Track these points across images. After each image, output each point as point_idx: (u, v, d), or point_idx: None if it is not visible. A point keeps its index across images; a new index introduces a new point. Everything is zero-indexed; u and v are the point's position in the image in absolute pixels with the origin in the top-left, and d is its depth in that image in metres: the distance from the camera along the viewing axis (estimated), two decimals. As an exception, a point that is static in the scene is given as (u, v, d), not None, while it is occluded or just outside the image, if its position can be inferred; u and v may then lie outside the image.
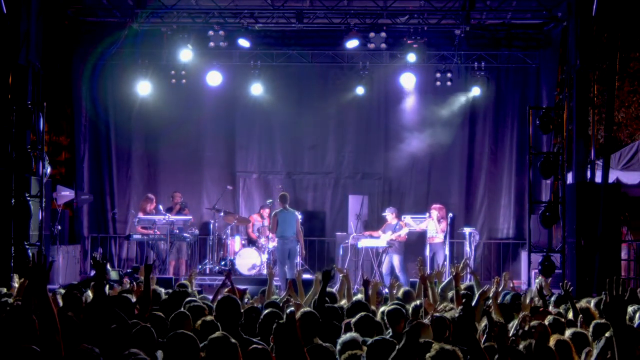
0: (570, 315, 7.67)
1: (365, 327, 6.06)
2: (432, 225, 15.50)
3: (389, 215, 15.51)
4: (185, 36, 15.55)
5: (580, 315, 7.32)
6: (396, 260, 15.22)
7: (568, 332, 6.07)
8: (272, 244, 15.68)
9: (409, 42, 15.63)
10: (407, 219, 15.70)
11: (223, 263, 16.06)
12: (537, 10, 15.49)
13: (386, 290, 13.80)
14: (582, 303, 7.89)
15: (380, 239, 15.32)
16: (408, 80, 16.31)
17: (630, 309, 7.64)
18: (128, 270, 12.67)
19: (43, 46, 14.08)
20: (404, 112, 17.30)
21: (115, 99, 17.14)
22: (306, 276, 15.70)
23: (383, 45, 15.30)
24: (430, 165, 17.33)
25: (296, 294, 8.90)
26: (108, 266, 12.35)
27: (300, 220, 15.97)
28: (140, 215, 15.76)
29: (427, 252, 15.46)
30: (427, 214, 15.71)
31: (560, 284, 8.69)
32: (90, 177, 17.18)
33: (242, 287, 9.93)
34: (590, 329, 6.33)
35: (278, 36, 16.96)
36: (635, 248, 14.66)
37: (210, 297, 9.44)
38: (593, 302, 8.21)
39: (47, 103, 13.44)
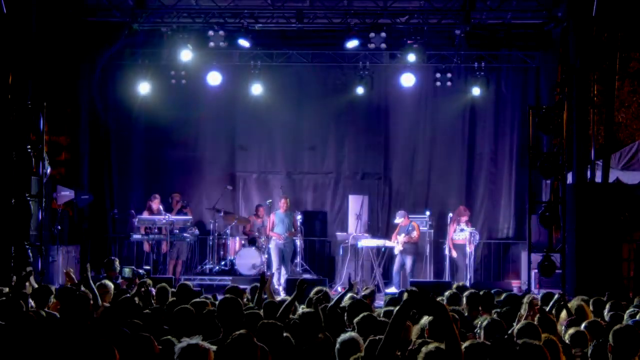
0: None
1: (368, 327, 6.05)
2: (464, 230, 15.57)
3: (399, 219, 15.42)
4: (185, 36, 15.54)
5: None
6: (408, 261, 15.17)
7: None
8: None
9: (409, 42, 15.62)
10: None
11: (223, 263, 16.07)
12: (537, 10, 15.47)
13: (393, 289, 13.78)
14: (575, 302, 7.87)
15: (398, 245, 15.28)
16: (408, 80, 16.29)
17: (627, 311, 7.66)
18: (141, 271, 12.65)
19: (43, 46, 14.07)
20: (404, 112, 17.29)
21: (116, 99, 17.15)
22: (306, 276, 15.77)
23: (383, 45, 15.29)
24: (430, 165, 17.32)
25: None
26: (117, 263, 12.31)
27: (300, 220, 16.05)
28: (145, 214, 15.78)
29: (449, 254, 15.52)
30: (454, 218, 15.69)
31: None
32: (90, 177, 17.15)
33: None
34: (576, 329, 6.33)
35: (278, 36, 16.94)
36: (635, 248, 14.65)
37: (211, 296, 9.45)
38: (591, 301, 8.22)
39: (47, 103, 13.42)
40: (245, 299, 8.93)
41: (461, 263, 15.52)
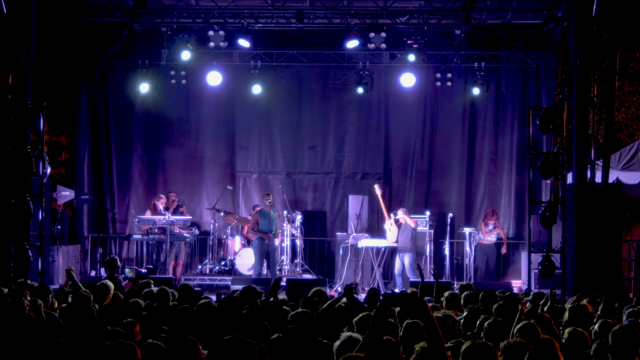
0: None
1: (367, 327, 6.06)
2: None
3: (400, 215, 15.29)
4: (185, 36, 15.56)
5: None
6: (407, 259, 15.12)
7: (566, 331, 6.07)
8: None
9: (409, 42, 15.63)
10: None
11: (223, 263, 16.07)
12: (537, 10, 15.48)
13: (396, 290, 13.73)
14: (574, 302, 7.88)
15: (388, 223, 15.19)
16: (408, 80, 16.29)
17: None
18: (143, 271, 12.65)
19: (43, 46, 14.09)
20: (404, 112, 17.28)
21: (115, 99, 17.17)
22: (306, 276, 15.78)
23: (383, 45, 15.29)
24: (430, 165, 17.31)
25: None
26: (119, 263, 12.31)
27: (300, 220, 16.00)
28: (147, 214, 15.78)
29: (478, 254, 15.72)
30: (483, 220, 15.86)
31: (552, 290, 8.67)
32: (90, 177, 17.18)
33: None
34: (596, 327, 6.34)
35: (278, 36, 16.95)
36: (635, 248, 14.66)
37: (211, 296, 9.46)
38: (585, 300, 8.23)
39: (47, 103, 13.43)
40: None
41: (481, 265, 15.65)
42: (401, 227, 15.14)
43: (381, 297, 4.09)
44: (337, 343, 5.20)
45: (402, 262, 15.13)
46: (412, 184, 17.29)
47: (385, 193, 16.96)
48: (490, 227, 15.72)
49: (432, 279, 11.44)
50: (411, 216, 15.37)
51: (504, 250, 15.87)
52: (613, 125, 15.33)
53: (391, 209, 16.04)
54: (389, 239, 15.22)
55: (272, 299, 8.16)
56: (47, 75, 14.59)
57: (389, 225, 15.21)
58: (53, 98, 15.74)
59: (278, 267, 15.66)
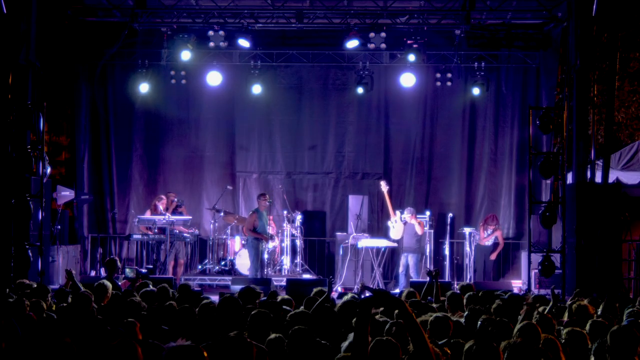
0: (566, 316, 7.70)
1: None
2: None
3: (407, 214, 15.25)
4: (185, 36, 15.56)
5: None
6: (411, 260, 15.10)
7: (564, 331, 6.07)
8: (272, 244, 15.68)
9: (409, 42, 15.63)
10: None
11: (223, 263, 16.07)
12: (537, 10, 15.49)
13: (397, 290, 13.73)
14: (575, 302, 7.88)
15: (392, 220, 15.17)
16: (408, 80, 16.29)
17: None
18: (143, 271, 12.65)
19: (43, 46, 14.09)
20: (404, 112, 17.28)
21: (115, 99, 17.17)
22: (306, 276, 15.78)
23: (383, 45, 15.29)
24: (430, 165, 17.31)
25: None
26: (119, 263, 12.31)
27: (300, 220, 15.98)
28: (147, 214, 15.77)
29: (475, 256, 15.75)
30: (482, 224, 15.86)
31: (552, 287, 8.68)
32: (90, 177, 17.18)
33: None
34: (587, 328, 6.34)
35: (278, 36, 16.95)
36: (635, 248, 14.66)
37: (212, 297, 9.45)
38: (586, 300, 8.23)
39: (47, 103, 13.43)
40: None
41: (479, 266, 15.65)
42: (407, 225, 15.14)
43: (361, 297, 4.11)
44: (345, 343, 5.20)
45: (407, 261, 15.13)
46: (412, 184, 17.28)
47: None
48: (489, 231, 15.70)
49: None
50: (417, 216, 15.37)
51: (493, 257, 15.65)
52: (613, 125, 15.33)
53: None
54: (393, 235, 15.21)
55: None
56: (47, 75, 14.60)
57: (393, 222, 15.20)
58: (53, 98, 15.73)
59: (278, 267, 15.72)
